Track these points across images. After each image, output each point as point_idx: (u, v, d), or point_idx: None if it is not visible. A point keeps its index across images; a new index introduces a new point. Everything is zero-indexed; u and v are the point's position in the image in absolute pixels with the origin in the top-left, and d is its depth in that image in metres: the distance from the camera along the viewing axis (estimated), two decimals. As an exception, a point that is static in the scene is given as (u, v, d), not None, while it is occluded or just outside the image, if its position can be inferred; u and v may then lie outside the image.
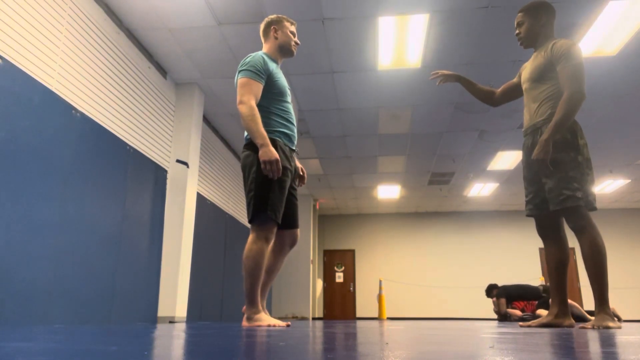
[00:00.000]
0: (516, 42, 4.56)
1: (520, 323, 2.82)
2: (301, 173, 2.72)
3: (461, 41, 4.59)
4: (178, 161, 5.15)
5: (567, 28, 4.35)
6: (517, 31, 2.75)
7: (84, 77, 3.77)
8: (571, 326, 2.53)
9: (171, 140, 5.25)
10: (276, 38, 2.64)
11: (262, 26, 2.70)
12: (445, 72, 2.99)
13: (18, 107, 3.01)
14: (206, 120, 6.29)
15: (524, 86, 2.74)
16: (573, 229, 2.42)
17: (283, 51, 2.67)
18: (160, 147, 5.00)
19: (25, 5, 3.15)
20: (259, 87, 2.43)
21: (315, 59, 4.88)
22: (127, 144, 4.34)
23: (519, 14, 2.73)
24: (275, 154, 2.32)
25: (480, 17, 4.23)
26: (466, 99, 5.79)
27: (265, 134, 2.35)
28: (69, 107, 3.54)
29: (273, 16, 2.69)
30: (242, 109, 2.36)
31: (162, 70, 5.07)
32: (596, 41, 4.55)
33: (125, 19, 4.27)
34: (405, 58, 4.93)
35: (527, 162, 2.67)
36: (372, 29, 4.41)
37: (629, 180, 9.12)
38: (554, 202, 2.43)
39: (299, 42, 2.72)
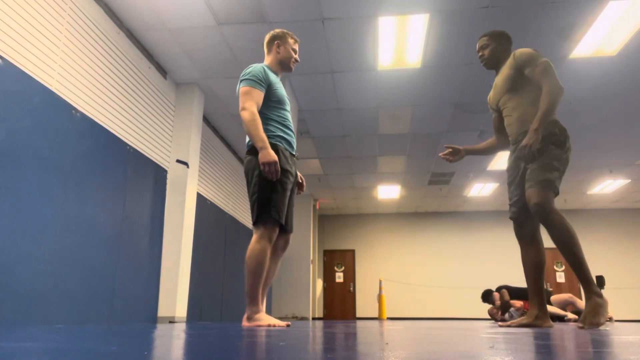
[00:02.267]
0: (516, 42, 4.55)
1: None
2: (300, 180, 2.83)
3: (461, 41, 4.59)
4: (178, 161, 5.15)
5: (567, 28, 4.35)
6: (480, 53, 2.93)
7: (84, 77, 3.77)
8: (550, 328, 2.55)
9: (171, 140, 5.25)
10: (278, 53, 2.77)
11: (266, 38, 2.82)
12: (453, 148, 3.05)
13: (18, 107, 3.01)
14: (206, 120, 6.29)
15: (500, 102, 2.85)
16: (536, 213, 2.47)
17: (283, 66, 2.80)
18: (160, 147, 5.00)
19: (25, 5, 3.15)
20: (260, 95, 2.56)
21: (315, 59, 4.88)
22: (127, 144, 4.34)
23: (483, 38, 2.92)
24: (274, 155, 2.43)
25: (480, 17, 4.23)
26: (466, 99, 5.79)
27: (265, 138, 2.48)
28: (69, 107, 3.54)
29: (279, 31, 2.82)
30: (244, 114, 2.48)
31: (162, 70, 5.07)
32: (596, 41, 4.55)
33: (125, 19, 4.27)
34: (405, 58, 4.93)
35: (517, 168, 2.74)
36: (372, 29, 4.41)
37: (629, 180, 9.12)
38: (532, 181, 2.50)
39: (298, 59, 2.86)
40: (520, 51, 2.68)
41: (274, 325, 2.35)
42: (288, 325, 2.50)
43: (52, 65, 3.39)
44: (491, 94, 2.94)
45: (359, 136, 7.01)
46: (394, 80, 5.37)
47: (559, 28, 4.32)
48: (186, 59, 4.90)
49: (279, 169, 2.45)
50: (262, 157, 2.42)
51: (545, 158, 2.52)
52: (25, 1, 3.15)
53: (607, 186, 9.46)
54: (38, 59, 3.25)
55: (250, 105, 2.49)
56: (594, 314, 2.29)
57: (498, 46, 2.86)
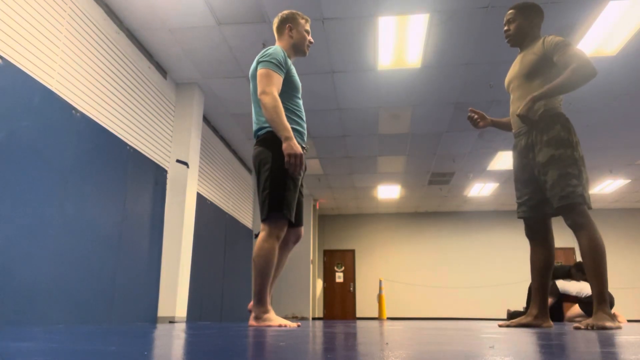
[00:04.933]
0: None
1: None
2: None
3: (461, 41, 4.59)
4: (178, 161, 5.15)
5: (567, 28, 4.35)
6: (506, 27, 2.72)
7: (84, 77, 3.76)
8: (549, 327, 2.52)
9: (171, 140, 5.25)
10: (291, 37, 2.61)
11: (276, 22, 2.65)
12: (479, 114, 2.88)
13: (18, 107, 3.01)
14: (206, 120, 6.29)
15: (512, 85, 2.69)
16: (571, 226, 2.37)
17: (296, 51, 2.64)
18: (160, 147, 5.00)
19: (25, 5, 3.15)
20: (279, 80, 2.39)
21: (315, 59, 4.88)
22: (127, 144, 4.34)
23: (511, 11, 2.69)
24: (299, 148, 2.31)
25: (480, 17, 4.23)
26: (466, 99, 5.79)
27: (289, 126, 2.33)
28: (69, 107, 3.54)
29: (287, 12, 2.64)
30: (266, 99, 2.31)
31: (162, 70, 5.07)
32: (596, 41, 4.55)
33: (125, 19, 4.27)
34: (405, 58, 4.93)
35: (522, 164, 2.63)
36: (372, 29, 4.41)
37: (629, 180, 9.12)
38: (557, 198, 2.38)
39: (312, 41, 2.68)
40: (550, 37, 2.49)
41: (285, 326, 2.25)
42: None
43: (52, 65, 3.39)
44: (508, 74, 2.76)
45: (359, 136, 7.01)
46: (394, 80, 5.37)
47: (559, 28, 4.32)
48: (186, 59, 4.90)
49: (304, 161, 2.34)
50: (287, 147, 2.27)
51: (557, 167, 2.39)
52: (25, 1, 3.15)
53: (607, 186, 9.45)
54: (38, 59, 3.25)
55: (272, 89, 2.32)
56: (599, 320, 2.22)
57: (525, 22, 2.64)
